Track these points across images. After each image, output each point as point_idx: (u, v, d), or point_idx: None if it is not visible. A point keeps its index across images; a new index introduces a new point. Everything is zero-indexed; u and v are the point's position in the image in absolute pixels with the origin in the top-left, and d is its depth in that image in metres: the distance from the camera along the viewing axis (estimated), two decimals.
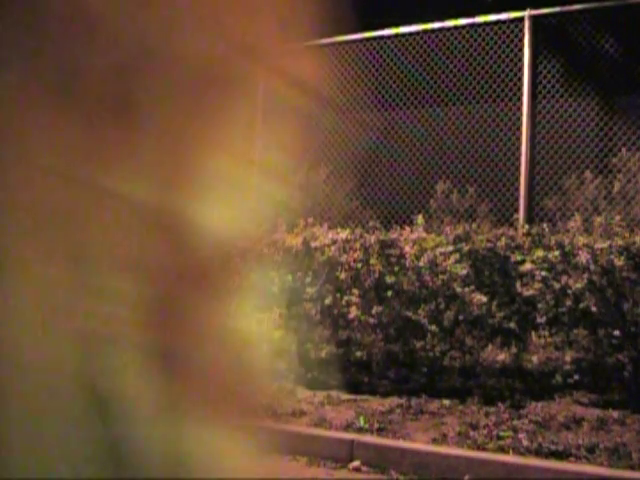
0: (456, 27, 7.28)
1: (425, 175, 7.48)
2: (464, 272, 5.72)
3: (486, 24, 7.10)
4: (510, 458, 4.09)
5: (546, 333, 5.59)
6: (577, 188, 6.68)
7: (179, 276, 0.93)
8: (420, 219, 6.38)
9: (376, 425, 4.72)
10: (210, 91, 0.95)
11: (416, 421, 4.84)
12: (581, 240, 5.34)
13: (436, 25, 7.37)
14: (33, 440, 0.74)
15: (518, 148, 6.77)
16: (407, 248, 5.99)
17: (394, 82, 7.69)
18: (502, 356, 5.92)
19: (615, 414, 4.74)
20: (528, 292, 5.47)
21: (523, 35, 6.79)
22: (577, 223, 5.68)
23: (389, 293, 5.88)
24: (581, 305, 5.22)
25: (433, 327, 5.69)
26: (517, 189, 6.71)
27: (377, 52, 7.79)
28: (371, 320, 5.88)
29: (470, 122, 7.38)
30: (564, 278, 5.31)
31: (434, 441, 4.40)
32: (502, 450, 4.20)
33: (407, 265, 5.91)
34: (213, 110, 0.91)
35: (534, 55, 6.78)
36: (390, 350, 5.92)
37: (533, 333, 5.75)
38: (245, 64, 1.15)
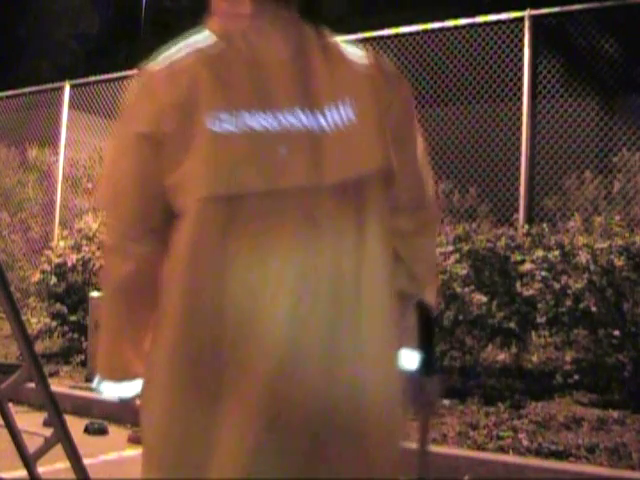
0: (456, 27, 7.26)
1: None
2: (464, 272, 5.71)
3: (486, 24, 7.09)
4: (510, 458, 4.09)
5: (546, 333, 5.59)
6: (577, 188, 6.68)
7: None
8: None
9: None
10: None
11: (416, 421, 4.84)
12: (581, 240, 5.34)
13: (436, 25, 7.36)
14: None
15: (518, 148, 6.76)
16: None
17: None
18: (502, 356, 5.91)
19: (615, 414, 4.74)
20: (528, 292, 5.47)
21: (523, 35, 6.78)
22: (577, 223, 5.68)
23: None
24: (581, 305, 5.21)
25: None
26: (517, 189, 6.71)
27: (377, 52, 7.78)
28: None
29: (470, 122, 7.38)
30: (564, 278, 5.31)
31: (434, 441, 4.40)
32: (502, 450, 4.20)
33: None
34: None
35: (534, 55, 6.77)
36: None
37: (533, 333, 5.75)
38: None
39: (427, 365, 1.50)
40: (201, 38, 1.42)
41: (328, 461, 1.33)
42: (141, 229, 1.41)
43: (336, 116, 1.38)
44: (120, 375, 1.52)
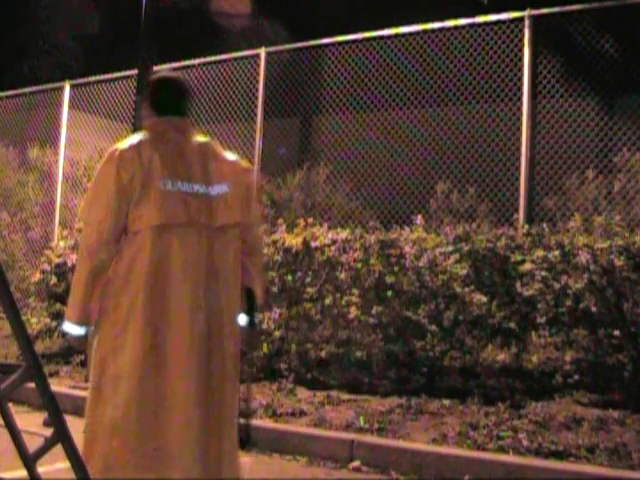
0: (456, 27, 7.27)
1: (425, 175, 7.48)
2: (464, 272, 5.71)
3: (486, 24, 7.09)
4: (510, 458, 4.10)
5: (546, 333, 5.59)
6: (577, 188, 6.68)
7: None
8: (420, 219, 6.38)
9: (376, 425, 4.72)
10: None
11: (416, 421, 4.84)
12: (581, 240, 5.34)
13: (436, 25, 7.37)
14: None
15: (518, 148, 6.76)
16: (407, 248, 5.99)
17: (394, 82, 7.68)
18: (502, 356, 5.91)
19: (615, 414, 4.74)
20: (528, 292, 5.47)
21: (523, 35, 6.79)
22: (577, 223, 5.68)
23: (389, 293, 5.88)
24: (581, 305, 5.22)
25: (433, 327, 5.69)
26: (517, 189, 6.71)
27: (377, 52, 7.79)
28: (371, 320, 5.88)
29: (470, 122, 7.38)
30: (564, 278, 5.31)
31: (434, 441, 4.40)
32: (502, 450, 4.20)
33: (407, 265, 5.91)
34: None
35: (534, 55, 6.77)
36: (390, 350, 5.92)
37: (533, 333, 5.74)
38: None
39: (251, 323, 2.90)
40: (144, 134, 2.75)
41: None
42: (111, 238, 2.64)
43: (219, 189, 2.74)
44: (83, 320, 2.71)
